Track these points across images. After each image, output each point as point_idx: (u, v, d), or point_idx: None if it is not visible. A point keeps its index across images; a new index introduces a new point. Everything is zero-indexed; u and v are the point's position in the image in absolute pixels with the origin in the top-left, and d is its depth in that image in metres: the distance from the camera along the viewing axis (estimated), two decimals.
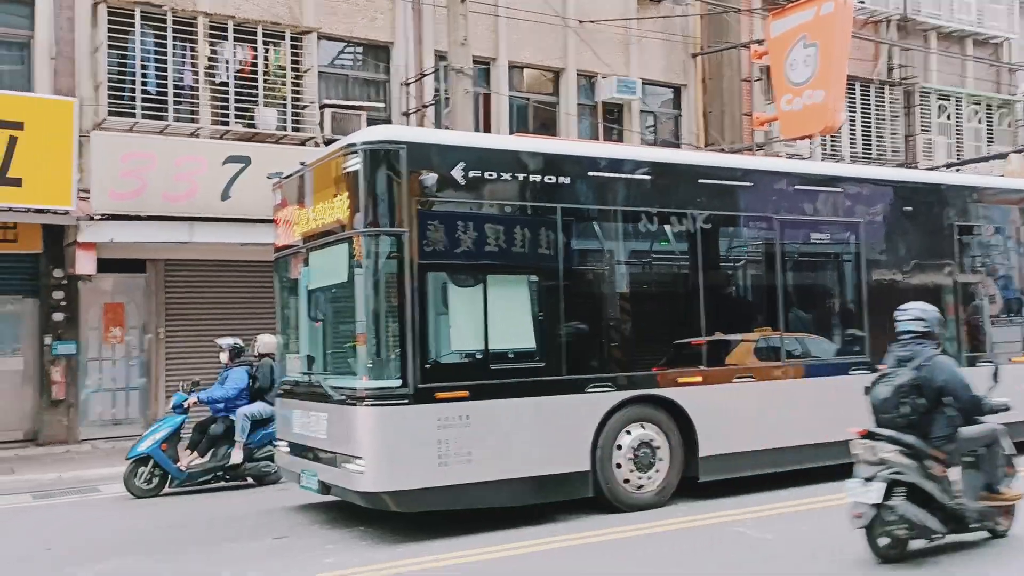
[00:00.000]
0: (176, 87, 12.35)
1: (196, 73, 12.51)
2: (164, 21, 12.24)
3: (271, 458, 9.25)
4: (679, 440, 7.57)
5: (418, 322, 6.49)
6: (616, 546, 6.38)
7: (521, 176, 7.13)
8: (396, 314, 6.48)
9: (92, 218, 11.07)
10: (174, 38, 12.32)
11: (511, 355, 6.91)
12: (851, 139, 18.74)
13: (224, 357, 9.73)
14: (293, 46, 13.17)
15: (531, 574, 5.82)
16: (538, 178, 7.19)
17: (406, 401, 6.41)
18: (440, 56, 14.35)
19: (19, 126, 10.17)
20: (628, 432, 7.35)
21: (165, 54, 12.26)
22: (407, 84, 14.61)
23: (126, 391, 12.84)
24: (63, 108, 10.65)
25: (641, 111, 17.06)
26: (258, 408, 9.42)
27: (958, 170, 17.90)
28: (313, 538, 6.91)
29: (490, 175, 6.97)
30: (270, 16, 13.27)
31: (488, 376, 6.74)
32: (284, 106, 13.06)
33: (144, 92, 12.11)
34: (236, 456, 9.24)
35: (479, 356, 6.75)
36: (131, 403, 12.86)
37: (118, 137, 11.55)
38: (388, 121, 14.28)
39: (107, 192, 11.11)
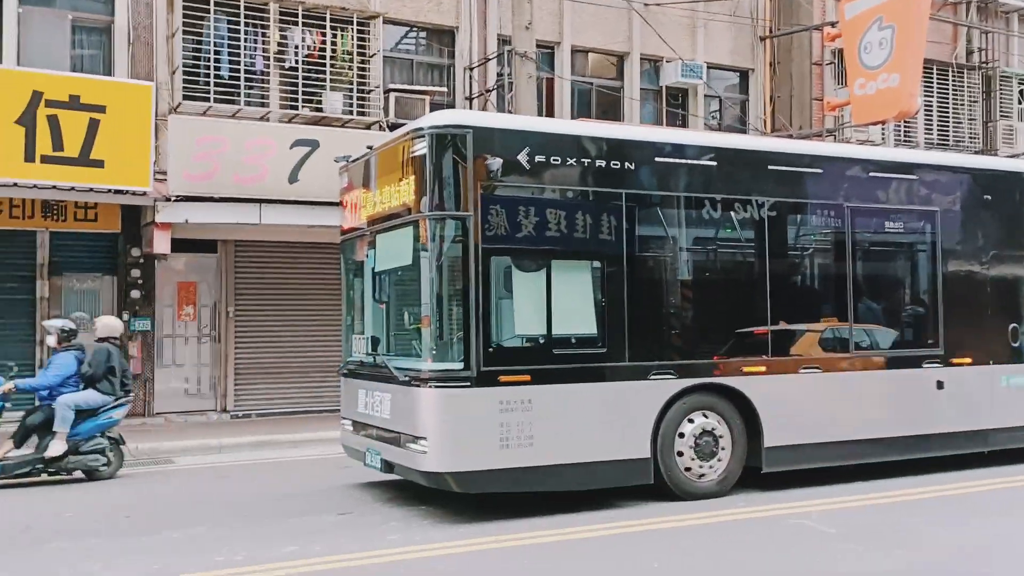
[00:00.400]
0: (247, 72, 12.66)
1: (267, 58, 12.80)
2: (237, 6, 12.54)
3: (102, 451, 8.80)
4: (742, 430, 7.54)
5: (481, 306, 6.55)
6: (672, 535, 6.37)
7: (586, 161, 7.12)
8: (460, 298, 6.56)
9: (168, 199, 11.45)
10: (246, 23, 12.63)
11: (573, 340, 6.94)
12: (927, 125, 18.18)
13: (52, 340, 9.01)
14: (359, 31, 13.36)
15: (586, 558, 5.86)
16: (602, 163, 7.18)
17: (469, 384, 6.50)
18: (504, 40, 14.37)
19: (101, 109, 10.55)
20: (691, 420, 7.34)
21: (238, 39, 12.57)
22: (471, 69, 14.69)
23: (198, 366, 13.30)
24: (142, 92, 11.01)
25: (706, 96, 16.84)
26: (84, 397, 8.77)
27: None
28: (375, 515, 7.07)
29: (555, 160, 6.98)
30: (338, 2, 13.46)
31: (550, 361, 6.79)
32: (350, 90, 13.28)
33: (217, 77, 12.46)
34: (56, 448, 8.53)
35: (542, 341, 6.80)
36: (203, 379, 13.30)
37: (193, 121, 11.90)
38: (451, 106, 14.39)
39: (182, 174, 11.47)
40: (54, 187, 10.86)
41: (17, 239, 12.16)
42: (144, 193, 11.23)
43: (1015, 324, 8.94)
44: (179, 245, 12.14)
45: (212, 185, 11.62)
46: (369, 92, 13.43)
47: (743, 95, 17.42)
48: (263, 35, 12.79)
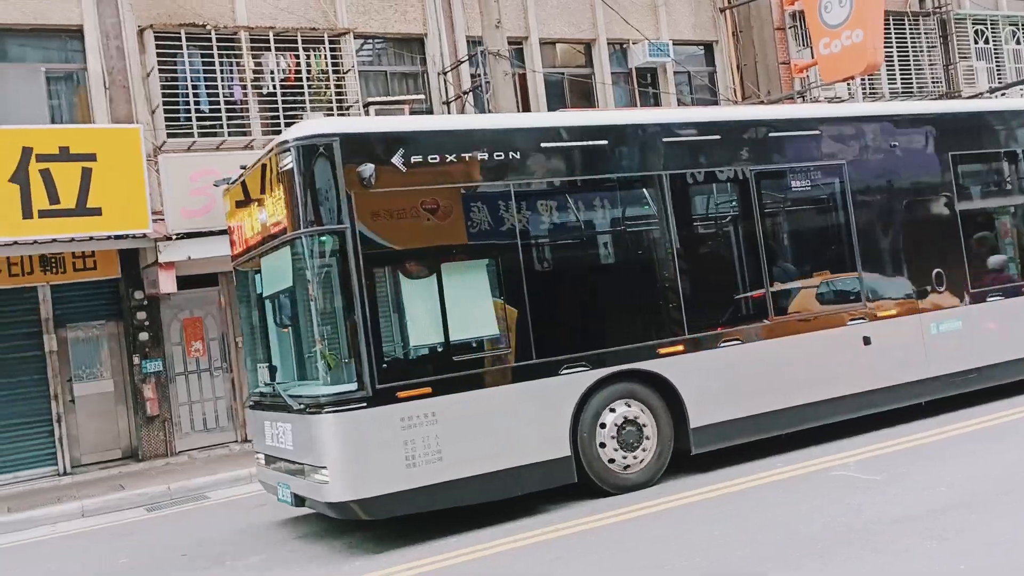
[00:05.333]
0: (227, 102, 12.69)
1: (244, 86, 12.84)
2: (208, 39, 12.56)
3: None
4: (667, 414, 7.27)
5: (369, 321, 6.20)
6: (580, 537, 6.08)
7: (467, 156, 6.78)
8: (345, 315, 6.23)
9: (169, 238, 11.47)
10: (219, 54, 12.65)
11: (475, 344, 6.64)
12: (890, 75, 18.54)
13: None
14: (332, 49, 13.44)
15: (525, 570, 5.63)
16: (485, 156, 6.85)
17: (364, 404, 6.16)
18: (473, 41, 14.51)
19: (92, 158, 10.55)
20: (612, 411, 7.07)
21: (213, 71, 12.59)
22: (444, 73, 14.80)
23: (213, 400, 13.33)
24: (130, 135, 11.02)
25: (675, 72, 17.07)
26: None
27: (1003, 95, 17.66)
28: (296, 553, 6.77)
29: (433, 159, 6.64)
30: (306, 22, 13.53)
31: (452, 369, 6.47)
32: (330, 108, 13.34)
33: (198, 111, 12.47)
34: None
35: (440, 349, 6.50)
36: (220, 411, 13.34)
37: (185, 158, 11.93)
38: (430, 112, 14.50)
39: (179, 211, 11.50)
40: (54, 240, 10.85)
41: (19, 296, 12.12)
42: (144, 235, 11.25)
43: (939, 269, 8.70)
44: (180, 282, 12.16)
45: (210, 219, 11.63)
46: (348, 108, 13.51)
47: (710, 67, 17.68)
48: (237, 64, 12.82)
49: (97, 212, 10.55)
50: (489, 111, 14.02)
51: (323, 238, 6.30)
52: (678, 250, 7.54)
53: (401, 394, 6.27)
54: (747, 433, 7.62)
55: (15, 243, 10.71)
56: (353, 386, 6.20)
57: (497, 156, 6.89)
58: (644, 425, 7.16)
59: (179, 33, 12.43)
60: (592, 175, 7.33)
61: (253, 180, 7.27)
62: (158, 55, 12.39)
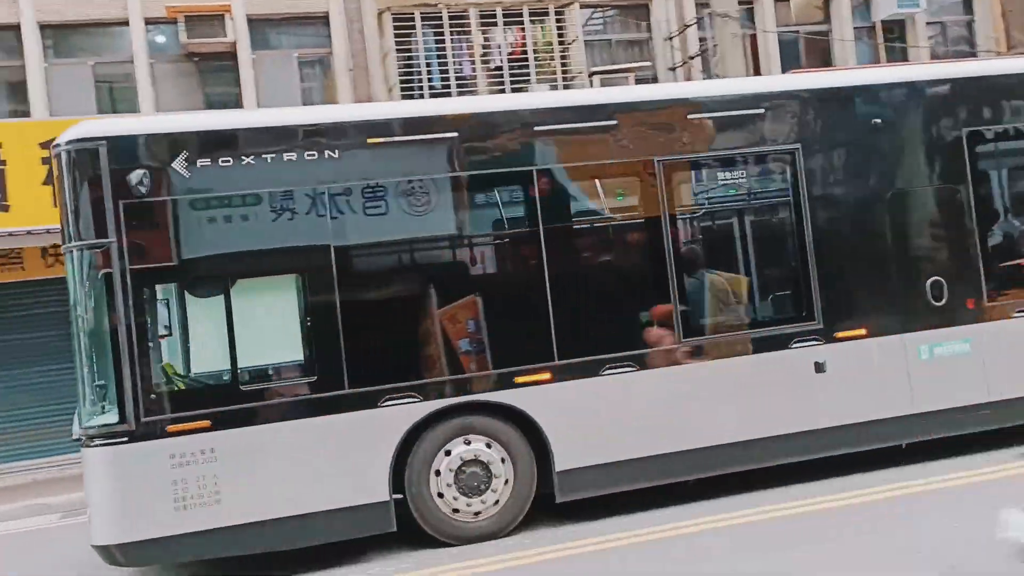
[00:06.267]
0: (457, 78, 13.15)
1: (473, 61, 13.24)
2: (440, 18, 13.04)
3: None
4: (527, 453, 6.12)
5: (136, 346, 5.56)
6: None
7: (269, 158, 5.87)
8: (108, 339, 5.58)
9: None
10: (451, 32, 13.12)
11: (271, 372, 5.92)
12: None
13: None
14: (557, 20, 13.49)
15: None
16: (293, 157, 5.92)
17: (126, 439, 5.55)
18: (700, 4, 13.99)
19: None
20: (453, 448, 6.04)
21: (444, 49, 13.09)
22: (670, 39, 14.41)
23: None
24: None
25: (927, 23, 15.52)
26: None
27: None
28: None
29: (225, 162, 5.81)
30: None
31: (239, 400, 5.71)
32: (555, 80, 13.44)
33: (431, 87, 13.03)
34: None
35: (226, 378, 5.77)
36: None
37: None
38: (655, 80, 14.20)
39: None
40: None
41: None
42: None
43: (937, 277, 6.85)
44: None
45: None
46: (573, 78, 13.53)
47: (968, 15, 15.89)
48: (467, 40, 13.23)
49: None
50: (715, 76, 13.49)
51: (86, 253, 5.65)
52: (547, 257, 6.20)
53: (172, 428, 5.60)
54: (635, 479, 6.29)
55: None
56: (115, 418, 5.57)
57: (308, 156, 5.93)
58: (492, 465, 6.07)
59: (413, 14, 13.00)
60: (438, 174, 6.17)
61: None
62: (395, 35, 13.05)
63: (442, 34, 13.09)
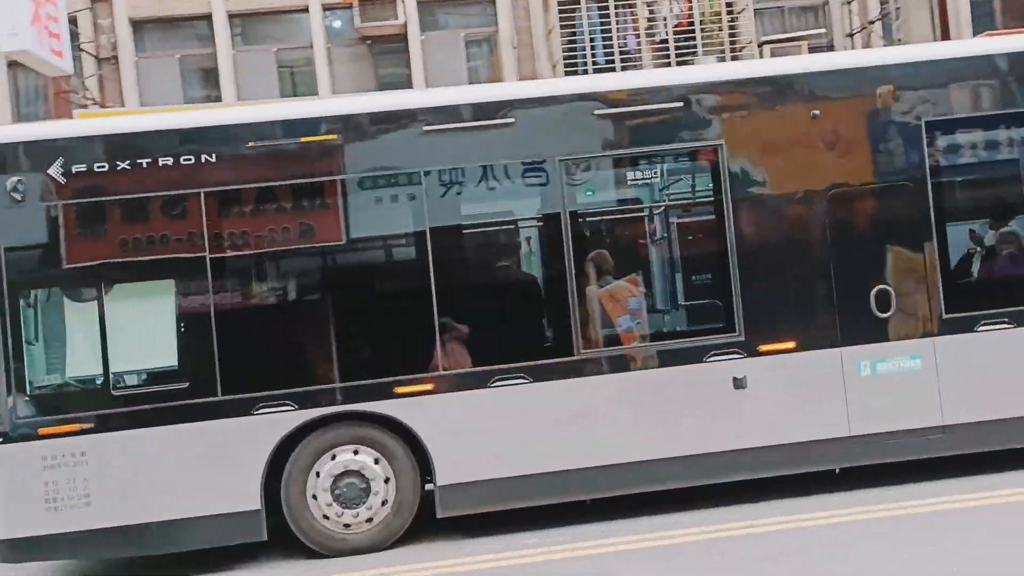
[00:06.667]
0: (621, 52, 13.03)
1: (638, 35, 13.07)
2: None
3: None
4: (409, 466, 5.96)
5: (11, 350, 5.76)
6: None
7: (144, 163, 5.95)
8: None
9: None
10: (615, 5, 13.00)
11: (144, 377, 5.98)
12: None
13: None
14: None
15: None
16: (169, 162, 5.96)
17: (1, 440, 5.76)
18: None
19: None
20: (333, 458, 5.94)
21: (608, 24, 12.99)
22: (848, 2, 13.65)
23: None
24: None
25: None
26: None
27: None
28: None
29: (100, 167, 5.92)
30: None
31: (111, 404, 5.83)
32: (722, 51, 13.07)
33: (594, 63, 12.99)
34: None
35: (99, 382, 5.89)
36: None
37: None
38: (830, 48, 13.49)
39: None
40: None
41: None
42: None
43: (883, 285, 6.19)
44: None
45: None
46: (742, 48, 13.11)
47: None
48: (631, 14, 13.07)
49: None
50: (897, 41, 12.67)
51: None
52: (433, 261, 6.00)
53: (43, 430, 5.77)
54: (526, 496, 6.01)
55: None
56: None
57: (186, 160, 5.95)
58: (372, 478, 5.93)
59: None
60: (317, 177, 6.06)
61: None
62: (559, 12, 13.08)
63: (607, 8, 13.00)
